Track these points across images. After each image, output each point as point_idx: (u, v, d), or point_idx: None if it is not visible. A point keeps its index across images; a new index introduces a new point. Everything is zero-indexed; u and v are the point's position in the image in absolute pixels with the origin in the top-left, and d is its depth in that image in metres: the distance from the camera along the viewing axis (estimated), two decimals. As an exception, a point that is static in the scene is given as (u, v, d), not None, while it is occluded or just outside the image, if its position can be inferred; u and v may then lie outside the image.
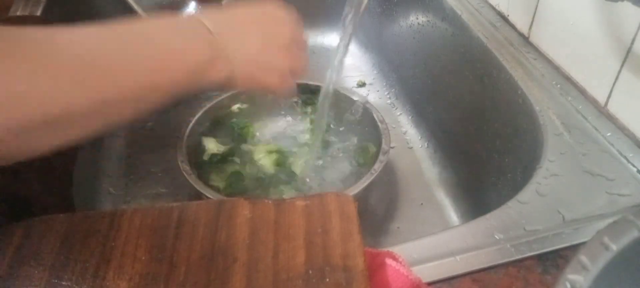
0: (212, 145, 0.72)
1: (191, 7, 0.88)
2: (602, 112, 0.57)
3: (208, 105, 0.74)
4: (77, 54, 0.35)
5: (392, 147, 0.73)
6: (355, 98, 0.75)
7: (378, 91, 0.98)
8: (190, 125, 0.70)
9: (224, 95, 0.76)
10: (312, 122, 0.79)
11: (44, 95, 0.32)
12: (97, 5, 0.89)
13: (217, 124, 0.75)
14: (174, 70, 0.40)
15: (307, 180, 0.72)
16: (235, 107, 0.78)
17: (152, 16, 0.61)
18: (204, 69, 0.42)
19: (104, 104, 0.36)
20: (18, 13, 0.70)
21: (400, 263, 0.38)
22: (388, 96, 0.96)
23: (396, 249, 0.41)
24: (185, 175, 0.63)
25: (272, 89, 0.49)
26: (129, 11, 0.74)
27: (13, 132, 0.31)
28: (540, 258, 0.42)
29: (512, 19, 0.72)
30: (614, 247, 0.30)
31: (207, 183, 0.65)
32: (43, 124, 0.32)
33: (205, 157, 0.72)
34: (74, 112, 0.34)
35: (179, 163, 0.64)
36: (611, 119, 0.56)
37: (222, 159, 0.72)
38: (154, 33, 0.41)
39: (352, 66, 1.03)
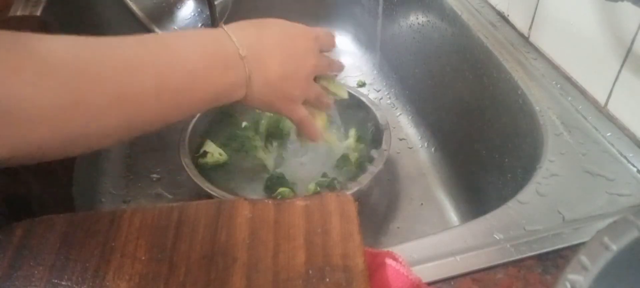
0: (212, 149, 0.72)
1: (190, 7, 0.88)
2: (602, 112, 0.57)
3: None
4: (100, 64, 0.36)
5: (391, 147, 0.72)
6: (361, 97, 0.75)
7: (378, 91, 0.98)
8: (191, 124, 0.70)
9: None
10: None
11: (82, 110, 0.34)
12: (97, 5, 0.89)
13: (218, 123, 0.75)
14: (202, 91, 0.42)
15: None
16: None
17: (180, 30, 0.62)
18: (228, 91, 0.45)
19: (130, 119, 0.38)
20: (18, 13, 0.70)
21: (400, 263, 0.38)
22: (388, 96, 0.96)
23: (396, 249, 0.41)
24: (190, 173, 0.63)
25: (284, 114, 0.52)
26: (127, 10, 0.74)
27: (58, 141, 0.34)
28: (540, 258, 0.42)
29: (512, 19, 0.71)
30: (614, 247, 0.30)
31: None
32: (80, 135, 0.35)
33: (206, 159, 0.72)
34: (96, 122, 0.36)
35: (183, 162, 0.64)
36: (611, 119, 0.56)
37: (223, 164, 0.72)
38: (185, 52, 0.41)
39: (352, 66, 1.03)
